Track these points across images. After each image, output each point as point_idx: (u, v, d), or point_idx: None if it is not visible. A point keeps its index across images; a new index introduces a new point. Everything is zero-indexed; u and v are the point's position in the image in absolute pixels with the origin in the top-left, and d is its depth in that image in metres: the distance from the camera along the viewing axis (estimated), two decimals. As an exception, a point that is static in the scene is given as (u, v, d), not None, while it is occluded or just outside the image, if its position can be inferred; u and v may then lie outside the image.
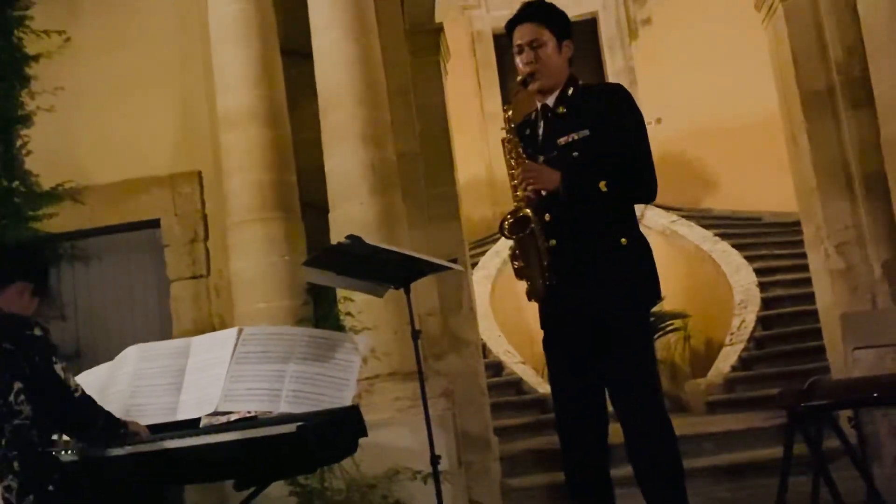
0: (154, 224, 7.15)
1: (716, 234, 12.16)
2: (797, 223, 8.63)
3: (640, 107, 3.19)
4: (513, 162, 3.11)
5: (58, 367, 3.08)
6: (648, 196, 3.12)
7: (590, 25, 14.79)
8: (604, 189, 2.98)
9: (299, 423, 2.99)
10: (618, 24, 14.69)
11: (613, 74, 14.25)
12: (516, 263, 3.10)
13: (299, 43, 6.84)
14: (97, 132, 7.09)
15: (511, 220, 3.06)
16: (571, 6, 14.93)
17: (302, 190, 6.69)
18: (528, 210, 3.03)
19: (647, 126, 3.20)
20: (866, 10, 6.68)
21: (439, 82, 8.06)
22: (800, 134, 7.70)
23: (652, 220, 12.66)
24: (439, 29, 8.05)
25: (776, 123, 8.59)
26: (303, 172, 6.71)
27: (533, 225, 3.02)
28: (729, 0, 11.86)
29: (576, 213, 3.04)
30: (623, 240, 3.06)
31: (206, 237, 7.11)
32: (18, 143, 6.36)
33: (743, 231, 12.67)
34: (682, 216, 12.76)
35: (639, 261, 3.09)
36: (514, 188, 3.08)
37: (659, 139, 14.69)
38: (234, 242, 6.50)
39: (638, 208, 3.27)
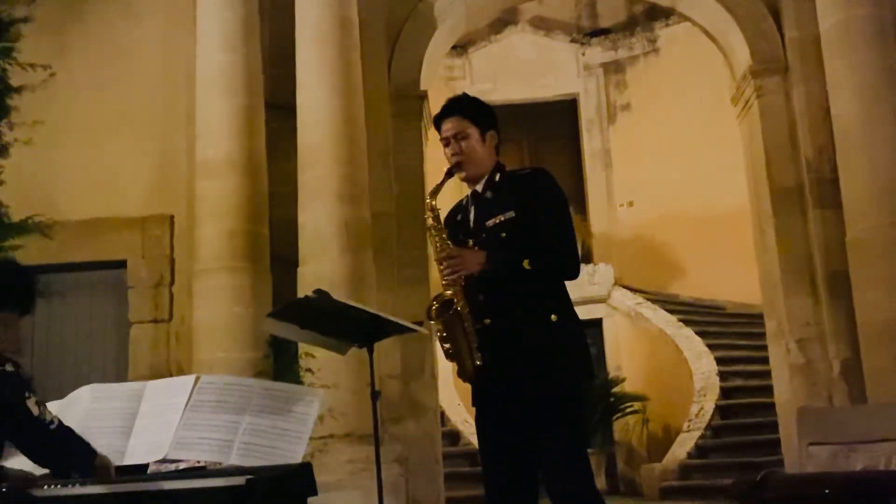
0: (120, 265, 7.09)
1: (680, 320, 12.25)
2: (760, 315, 8.72)
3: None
4: (438, 249, 3.20)
5: (30, 402, 2.99)
6: (572, 273, 3.20)
7: (570, 106, 15.10)
8: (527, 266, 3.06)
9: (249, 477, 2.94)
10: (597, 108, 15.00)
11: (590, 155, 14.48)
12: (445, 346, 3.15)
13: (284, 97, 6.92)
14: (73, 168, 7.07)
15: (437, 305, 3.12)
16: (554, 86, 15.12)
17: (273, 242, 6.68)
18: (449, 292, 3.09)
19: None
20: (839, 112, 6.88)
21: (419, 147, 8.15)
22: (767, 228, 7.84)
23: (618, 300, 12.73)
24: (423, 96, 8.18)
25: (745, 216, 8.74)
26: (275, 225, 6.71)
27: (457, 307, 3.07)
28: (707, 93, 12.16)
29: (508, 292, 3.10)
30: (553, 316, 3.10)
31: (172, 282, 7.05)
32: (-8, 172, 6.32)
33: (706, 319, 12.76)
34: (648, 299, 12.85)
35: (569, 338, 3.13)
36: (442, 273, 3.14)
37: (630, 222, 14.87)
38: (200, 289, 6.46)
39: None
